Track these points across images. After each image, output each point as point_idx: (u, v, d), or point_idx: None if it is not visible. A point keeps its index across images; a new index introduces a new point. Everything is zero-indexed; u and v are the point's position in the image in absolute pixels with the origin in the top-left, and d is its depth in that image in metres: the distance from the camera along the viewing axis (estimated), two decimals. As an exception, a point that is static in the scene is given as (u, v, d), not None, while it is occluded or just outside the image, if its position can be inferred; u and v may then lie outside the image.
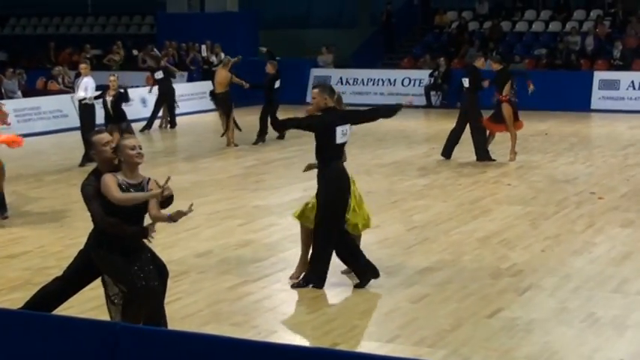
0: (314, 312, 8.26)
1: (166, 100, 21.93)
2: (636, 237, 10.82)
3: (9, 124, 12.46)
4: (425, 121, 24.33)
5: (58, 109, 21.55)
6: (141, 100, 23.25)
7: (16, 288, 8.83)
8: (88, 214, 6.80)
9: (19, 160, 15.45)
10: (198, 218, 11.34)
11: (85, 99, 16.34)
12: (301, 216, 8.94)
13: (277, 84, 18.91)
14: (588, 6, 29.35)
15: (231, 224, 11.62)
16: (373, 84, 27.29)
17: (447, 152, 16.41)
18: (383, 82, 27.22)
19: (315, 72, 28.03)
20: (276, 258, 9.94)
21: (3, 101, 14.34)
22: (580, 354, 7.16)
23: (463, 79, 16.30)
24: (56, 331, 5.29)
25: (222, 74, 19.24)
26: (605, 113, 24.04)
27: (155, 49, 26.43)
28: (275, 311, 8.34)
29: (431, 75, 26.44)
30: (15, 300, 8.08)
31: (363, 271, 8.86)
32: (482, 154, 16.10)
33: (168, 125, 22.15)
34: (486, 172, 15.18)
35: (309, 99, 24.34)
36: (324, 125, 8.61)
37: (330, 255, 8.79)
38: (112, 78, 16.46)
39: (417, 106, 25.56)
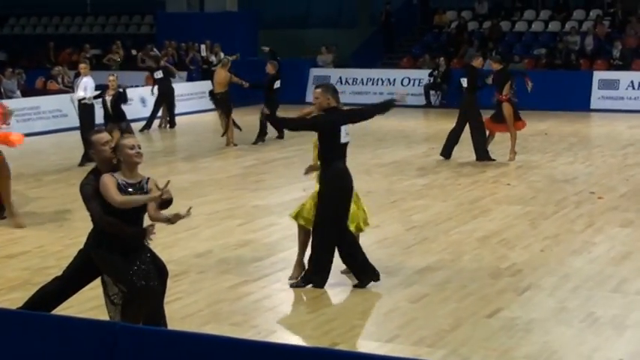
0: (314, 312, 8.26)
1: (166, 100, 21.94)
2: (635, 237, 10.82)
3: (9, 124, 12.40)
4: (424, 120, 24.33)
5: (57, 108, 21.55)
6: (140, 100, 23.25)
7: (16, 288, 8.83)
8: (88, 213, 6.81)
9: (19, 160, 15.42)
10: (198, 218, 11.33)
11: (84, 99, 16.34)
12: (298, 217, 8.92)
13: (277, 84, 18.90)
14: (588, 6, 29.34)
15: (230, 224, 11.62)
16: (373, 84, 27.29)
17: (447, 152, 16.42)
18: (382, 82, 27.22)
19: (315, 72, 28.04)
20: (276, 258, 9.94)
21: (5, 102, 14.32)
22: (579, 353, 7.16)
23: (461, 79, 16.32)
24: (55, 331, 5.29)
25: (222, 74, 19.24)
26: (605, 113, 24.05)
27: (155, 49, 26.43)
28: (275, 311, 8.34)
29: (430, 74, 26.45)
30: (14, 300, 8.08)
31: (362, 272, 8.84)
32: (482, 154, 16.10)
33: (168, 125, 22.15)
34: (486, 172, 15.19)
35: (308, 99, 24.42)
36: (329, 124, 8.60)
37: (331, 255, 8.78)
38: (111, 78, 16.47)
39: (413, 106, 25.57)
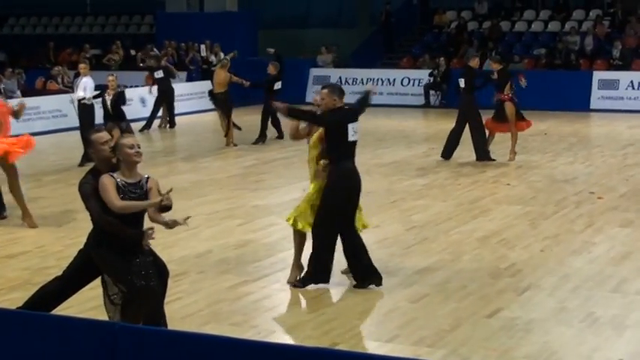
0: (313, 312, 8.26)
1: (165, 100, 21.94)
2: (635, 237, 10.82)
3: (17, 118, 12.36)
4: (424, 120, 24.33)
5: (57, 108, 21.54)
6: (140, 100, 23.25)
7: (16, 288, 8.83)
8: (87, 213, 6.80)
9: (19, 160, 15.41)
10: (198, 218, 11.34)
11: (84, 99, 16.35)
12: (296, 222, 8.86)
13: (278, 85, 18.91)
14: (587, 6, 29.34)
15: (230, 224, 11.62)
16: (373, 84, 27.26)
17: (447, 153, 16.41)
18: (382, 82, 27.21)
19: (315, 72, 28.05)
20: (276, 258, 9.94)
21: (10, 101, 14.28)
22: (579, 354, 7.16)
23: (459, 80, 16.34)
24: (55, 331, 5.29)
25: (221, 75, 19.24)
26: (605, 113, 24.05)
27: (155, 49, 26.44)
28: (274, 311, 8.35)
29: (430, 74, 26.46)
30: (14, 300, 8.08)
31: (365, 275, 8.82)
32: (482, 154, 16.10)
33: (168, 125, 22.15)
34: (486, 172, 15.19)
35: (308, 99, 24.45)
36: (336, 122, 8.59)
37: (332, 254, 8.76)
38: (110, 78, 16.48)
39: (413, 106, 25.59)
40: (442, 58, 26.57)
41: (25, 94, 22.97)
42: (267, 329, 7.76)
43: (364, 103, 9.20)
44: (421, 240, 10.72)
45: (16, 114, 11.98)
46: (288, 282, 8.98)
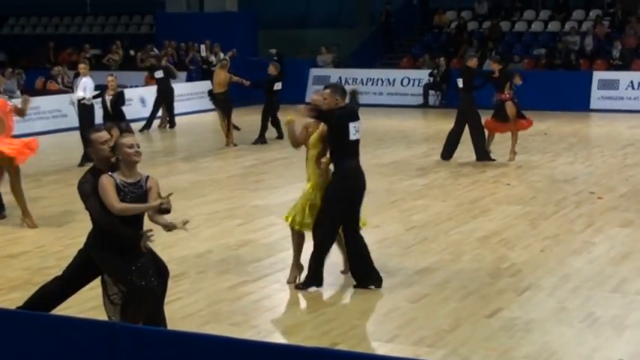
0: (313, 312, 8.26)
1: (165, 100, 21.93)
2: (635, 237, 10.82)
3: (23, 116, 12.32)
4: (424, 120, 24.32)
5: (57, 108, 21.53)
6: (140, 100, 23.25)
7: (16, 288, 8.83)
8: (87, 213, 6.80)
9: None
10: (198, 218, 11.35)
11: (83, 99, 16.35)
12: (293, 221, 8.87)
13: (278, 86, 18.92)
14: (587, 6, 29.34)
15: (230, 224, 11.62)
16: (372, 84, 27.28)
17: (447, 154, 16.40)
18: (382, 82, 27.22)
19: (315, 72, 28.04)
20: (276, 258, 9.94)
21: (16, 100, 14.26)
22: (579, 354, 7.16)
23: (458, 80, 16.35)
24: (55, 331, 5.29)
25: (221, 75, 19.24)
26: (605, 113, 24.05)
27: (155, 49, 26.43)
28: (274, 311, 8.35)
29: (430, 74, 26.45)
30: (14, 300, 8.07)
31: (365, 275, 8.81)
32: (482, 154, 16.10)
33: (168, 125, 22.14)
34: (486, 172, 15.19)
35: (308, 99, 24.44)
36: (336, 120, 8.59)
37: (326, 255, 8.75)
38: (110, 78, 16.49)
39: (413, 106, 25.58)
40: (442, 58, 26.56)
41: (24, 94, 22.97)
42: (266, 329, 7.76)
43: (356, 103, 9.22)
44: (421, 240, 10.72)
45: (21, 111, 11.98)
46: (288, 282, 8.97)
